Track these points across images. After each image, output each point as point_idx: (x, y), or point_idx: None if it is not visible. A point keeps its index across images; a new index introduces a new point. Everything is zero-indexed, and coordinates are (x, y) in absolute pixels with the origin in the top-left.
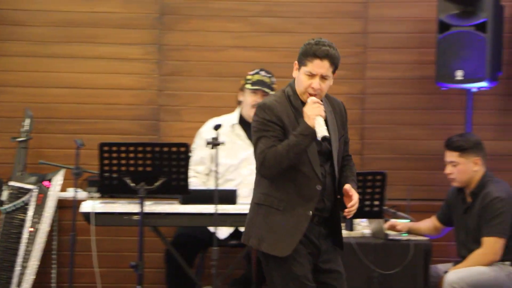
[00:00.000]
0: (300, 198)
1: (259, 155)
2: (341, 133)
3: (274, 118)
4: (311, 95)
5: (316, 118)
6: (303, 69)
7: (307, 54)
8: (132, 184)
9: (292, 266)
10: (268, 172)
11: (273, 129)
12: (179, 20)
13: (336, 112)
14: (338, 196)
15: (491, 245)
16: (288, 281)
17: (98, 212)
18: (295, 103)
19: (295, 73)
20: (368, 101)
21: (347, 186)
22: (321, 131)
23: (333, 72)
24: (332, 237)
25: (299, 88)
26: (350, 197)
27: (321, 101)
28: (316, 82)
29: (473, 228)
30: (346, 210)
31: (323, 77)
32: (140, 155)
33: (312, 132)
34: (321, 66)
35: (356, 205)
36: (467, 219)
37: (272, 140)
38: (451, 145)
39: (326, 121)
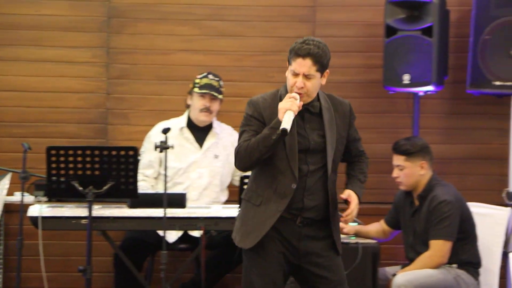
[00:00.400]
0: (275, 195)
1: (235, 148)
2: (340, 134)
3: (256, 113)
4: (299, 94)
5: (286, 112)
6: (289, 67)
7: (292, 53)
8: (80, 188)
9: (255, 267)
10: (240, 164)
11: (254, 124)
12: (126, 23)
13: (337, 112)
14: (343, 198)
15: (439, 247)
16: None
17: (45, 216)
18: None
19: (287, 72)
20: None
21: (345, 194)
22: (284, 124)
23: (319, 70)
24: (327, 240)
25: (288, 87)
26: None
27: (321, 100)
28: (299, 81)
29: (421, 231)
30: (342, 218)
31: (306, 76)
32: (88, 159)
33: (279, 125)
34: (303, 65)
35: (353, 213)
36: (415, 222)
37: (251, 134)
38: (397, 149)
39: (300, 119)
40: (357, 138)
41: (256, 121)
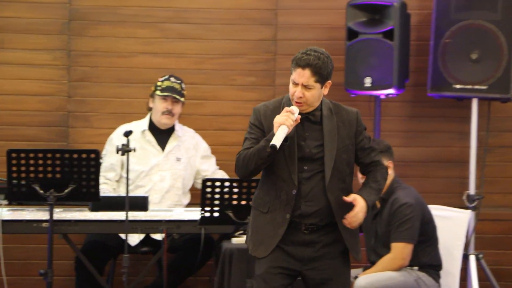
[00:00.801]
0: (279, 202)
1: (236, 155)
2: (344, 142)
3: (257, 121)
4: (297, 103)
5: (280, 126)
6: (291, 77)
7: (293, 62)
8: (41, 191)
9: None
10: (239, 173)
11: (255, 132)
12: (87, 26)
13: (342, 121)
14: (348, 201)
15: (400, 250)
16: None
17: (6, 220)
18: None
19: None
20: None
21: (350, 197)
22: (275, 140)
23: (319, 81)
24: (337, 245)
25: (290, 96)
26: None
27: (323, 109)
28: (298, 91)
29: (382, 234)
30: (344, 220)
31: (305, 86)
32: (49, 162)
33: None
34: (302, 75)
35: (357, 217)
36: (376, 225)
37: (251, 142)
38: None
39: (303, 131)
40: (367, 147)
41: (257, 129)
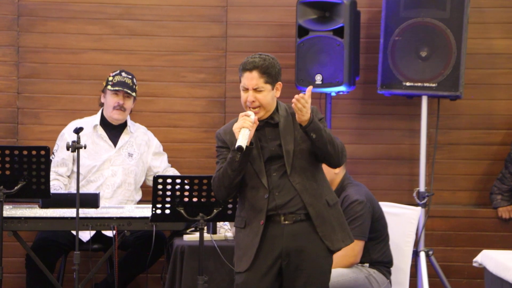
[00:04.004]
0: (253, 212)
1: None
2: (301, 133)
3: (220, 142)
4: (252, 109)
5: (241, 130)
6: (240, 84)
7: (240, 69)
8: None
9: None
10: (218, 195)
11: (221, 153)
12: (36, 22)
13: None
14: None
15: (351, 247)
16: None
17: None
18: None
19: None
20: (229, 104)
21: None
22: (239, 141)
23: (269, 82)
24: (312, 238)
25: (242, 105)
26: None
27: (279, 111)
28: (249, 96)
29: None
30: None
31: (256, 90)
32: None
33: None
34: (250, 78)
35: (305, 101)
36: None
37: (220, 164)
38: None
39: (261, 134)
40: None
41: (223, 150)
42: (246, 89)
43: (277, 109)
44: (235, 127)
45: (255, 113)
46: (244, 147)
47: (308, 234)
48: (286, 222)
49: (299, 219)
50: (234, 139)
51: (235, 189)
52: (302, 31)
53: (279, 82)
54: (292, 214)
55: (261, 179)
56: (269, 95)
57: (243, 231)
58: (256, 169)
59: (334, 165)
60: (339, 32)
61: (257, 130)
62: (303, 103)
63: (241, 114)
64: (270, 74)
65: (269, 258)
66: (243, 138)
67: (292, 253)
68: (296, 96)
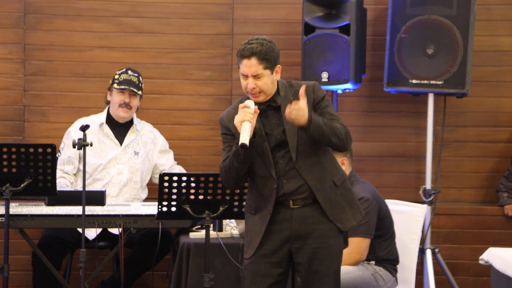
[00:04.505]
0: (262, 200)
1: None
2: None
3: (224, 129)
4: (253, 95)
5: (242, 124)
6: (239, 71)
7: (238, 56)
8: None
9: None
10: (226, 185)
11: (227, 140)
12: (42, 20)
13: (297, 97)
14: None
15: (357, 245)
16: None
17: None
18: None
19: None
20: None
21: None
22: (242, 138)
23: (268, 68)
24: (324, 223)
25: (244, 92)
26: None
27: (280, 93)
28: (250, 83)
29: None
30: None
31: (255, 76)
32: (5, 156)
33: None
34: (249, 65)
35: (297, 109)
36: None
37: (226, 152)
38: None
39: (265, 118)
40: (328, 113)
41: (228, 136)
42: (246, 76)
43: (278, 90)
44: (236, 121)
45: (256, 97)
46: (248, 143)
47: (317, 216)
48: (296, 206)
49: (308, 202)
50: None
51: (244, 178)
52: (308, 29)
53: (278, 65)
54: (301, 200)
55: (269, 169)
56: (269, 80)
57: (253, 217)
58: (263, 159)
59: (340, 150)
60: (345, 29)
61: (260, 114)
62: (295, 114)
63: (240, 105)
64: (269, 59)
65: (277, 242)
66: (245, 134)
67: (302, 235)
68: (286, 111)
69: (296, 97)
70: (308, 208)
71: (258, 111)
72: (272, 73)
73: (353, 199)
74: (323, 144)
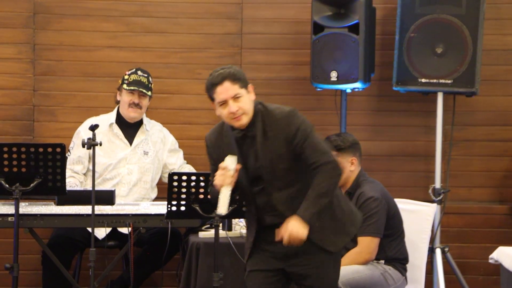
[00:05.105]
0: (251, 216)
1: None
2: (278, 152)
3: (208, 150)
4: (235, 119)
5: (222, 189)
6: (215, 104)
7: (209, 89)
8: (7, 185)
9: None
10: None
11: (211, 162)
12: (52, 19)
13: (274, 131)
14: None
15: (366, 244)
16: None
17: None
18: (226, 134)
19: (217, 111)
20: None
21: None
22: (220, 207)
23: (243, 87)
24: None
25: (226, 121)
26: None
27: (256, 122)
28: (231, 106)
29: None
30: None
31: (234, 98)
32: (14, 156)
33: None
34: (226, 89)
35: (290, 234)
36: None
37: (212, 174)
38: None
39: (247, 150)
40: (306, 146)
41: (212, 160)
42: (224, 103)
43: (254, 118)
44: (216, 184)
45: (238, 120)
46: (225, 212)
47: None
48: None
49: None
50: (220, 156)
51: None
52: (317, 28)
53: (250, 85)
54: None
55: (250, 194)
56: (248, 99)
57: (248, 230)
58: (243, 193)
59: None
60: (354, 28)
61: (238, 145)
62: (293, 239)
63: (220, 166)
64: (240, 79)
65: (267, 262)
66: (223, 203)
67: (291, 255)
68: (282, 238)
69: (273, 128)
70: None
71: (239, 167)
72: (247, 92)
73: (339, 226)
74: (303, 177)
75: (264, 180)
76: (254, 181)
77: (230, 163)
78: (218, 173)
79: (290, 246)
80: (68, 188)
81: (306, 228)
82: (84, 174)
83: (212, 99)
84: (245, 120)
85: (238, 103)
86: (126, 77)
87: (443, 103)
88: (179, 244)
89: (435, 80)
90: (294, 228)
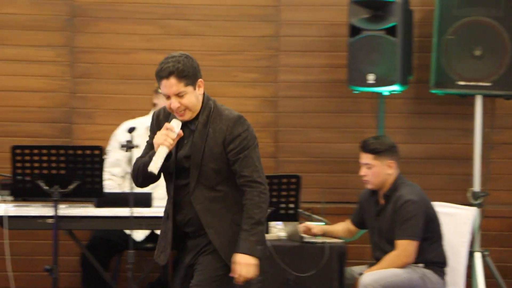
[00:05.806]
0: (169, 209)
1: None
2: (212, 151)
3: (151, 126)
4: (178, 114)
5: (159, 147)
6: (160, 90)
7: (156, 77)
8: (46, 187)
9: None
10: (135, 183)
11: (150, 136)
12: (89, 22)
13: (215, 129)
14: None
15: (405, 247)
16: None
17: (11, 216)
18: (173, 116)
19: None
20: (281, 104)
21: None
22: (153, 164)
23: (189, 84)
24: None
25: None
26: None
27: (199, 117)
28: (173, 103)
29: (386, 231)
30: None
31: (177, 95)
32: (53, 158)
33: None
34: (169, 86)
35: (243, 274)
36: (380, 221)
37: (145, 150)
38: (366, 147)
39: (183, 140)
40: (241, 157)
41: (152, 134)
42: (168, 96)
43: (200, 111)
44: (156, 141)
45: (182, 116)
46: (156, 172)
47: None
48: (190, 234)
49: (199, 234)
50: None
51: (153, 182)
52: (354, 30)
53: (200, 79)
54: (194, 233)
55: (169, 185)
56: (193, 96)
57: (166, 222)
58: (166, 176)
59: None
60: (391, 31)
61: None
62: (244, 274)
63: (166, 125)
64: (188, 76)
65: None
66: (157, 160)
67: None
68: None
69: (216, 126)
70: (200, 238)
71: (182, 134)
72: (195, 89)
73: (231, 236)
74: (229, 185)
75: (191, 175)
76: (182, 173)
77: (176, 125)
78: (161, 132)
79: (193, 253)
80: (106, 190)
81: (253, 260)
82: (122, 177)
83: (159, 86)
84: (188, 115)
85: (181, 100)
86: None
87: (482, 106)
88: None
89: (473, 83)
90: (243, 270)
